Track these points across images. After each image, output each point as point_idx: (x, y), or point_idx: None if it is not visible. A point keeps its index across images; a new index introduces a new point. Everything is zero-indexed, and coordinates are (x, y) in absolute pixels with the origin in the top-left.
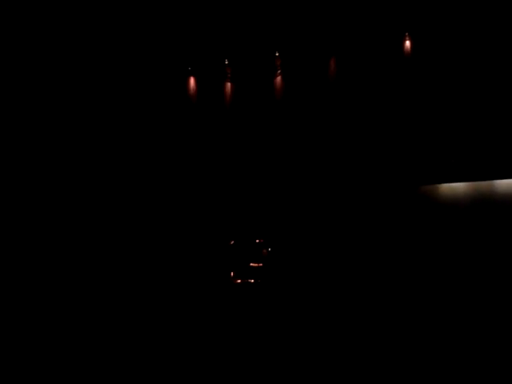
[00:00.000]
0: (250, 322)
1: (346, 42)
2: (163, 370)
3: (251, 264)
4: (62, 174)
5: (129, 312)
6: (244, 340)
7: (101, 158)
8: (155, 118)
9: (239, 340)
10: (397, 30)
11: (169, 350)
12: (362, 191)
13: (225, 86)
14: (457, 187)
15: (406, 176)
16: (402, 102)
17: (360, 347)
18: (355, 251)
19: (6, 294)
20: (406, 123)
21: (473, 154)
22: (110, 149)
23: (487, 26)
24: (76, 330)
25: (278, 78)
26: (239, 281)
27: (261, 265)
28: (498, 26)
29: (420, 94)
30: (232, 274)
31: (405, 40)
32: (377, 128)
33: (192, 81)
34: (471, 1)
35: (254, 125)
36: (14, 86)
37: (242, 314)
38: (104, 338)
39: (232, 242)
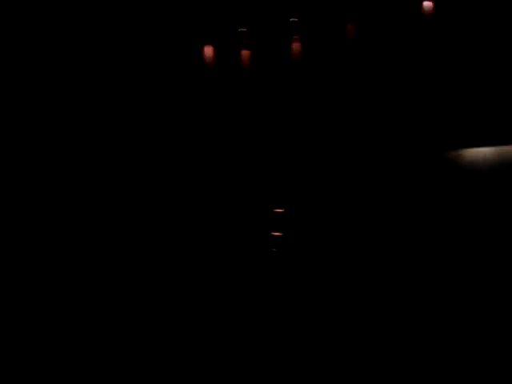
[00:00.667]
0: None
1: (363, 4)
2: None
3: (272, 233)
4: (80, 147)
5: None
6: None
7: (118, 130)
8: (173, 89)
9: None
10: None
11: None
12: (384, 158)
13: (241, 53)
14: (482, 152)
15: (430, 142)
16: (424, 66)
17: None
18: (377, 220)
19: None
20: (427, 87)
21: (498, 118)
22: (126, 121)
23: None
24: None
25: (295, 44)
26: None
27: (281, 234)
28: None
29: (442, 57)
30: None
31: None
32: (397, 93)
33: (208, 49)
34: None
35: (272, 91)
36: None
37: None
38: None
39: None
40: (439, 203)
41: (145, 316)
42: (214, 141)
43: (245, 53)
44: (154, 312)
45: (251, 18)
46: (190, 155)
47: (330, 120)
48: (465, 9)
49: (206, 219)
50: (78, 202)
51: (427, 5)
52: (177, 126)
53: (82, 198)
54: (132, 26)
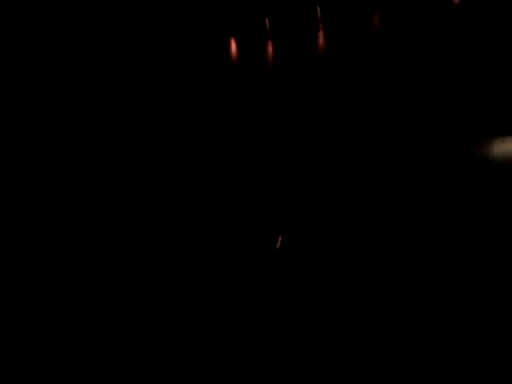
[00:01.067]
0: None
1: None
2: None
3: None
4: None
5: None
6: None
7: (142, 121)
8: (197, 82)
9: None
10: None
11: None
12: (412, 152)
13: (266, 45)
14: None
15: (460, 134)
16: (452, 57)
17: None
18: (405, 215)
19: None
20: (456, 81)
21: None
22: (149, 114)
23: None
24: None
25: (321, 35)
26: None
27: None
28: None
29: (471, 47)
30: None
31: None
32: (425, 85)
33: (233, 42)
34: None
35: (297, 84)
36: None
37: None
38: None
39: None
40: (469, 199)
41: (148, 314)
42: (240, 133)
43: (270, 45)
44: (157, 310)
45: (276, 10)
46: (210, 149)
47: (355, 114)
48: (496, 1)
49: (213, 217)
50: (80, 202)
51: None
52: (204, 121)
53: (89, 196)
54: (156, 21)
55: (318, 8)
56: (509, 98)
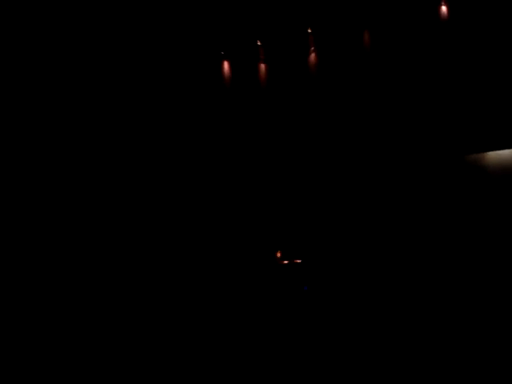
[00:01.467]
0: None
1: (378, 12)
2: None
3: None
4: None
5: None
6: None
7: (136, 142)
8: (191, 105)
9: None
10: None
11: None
12: (405, 163)
13: (259, 67)
14: (504, 154)
15: (451, 145)
16: (442, 70)
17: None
18: (400, 224)
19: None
20: (447, 91)
21: None
22: (144, 134)
23: None
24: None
25: (312, 55)
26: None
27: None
28: None
29: (460, 60)
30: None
31: (440, 5)
32: (418, 98)
33: (226, 65)
34: None
35: (290, 104)
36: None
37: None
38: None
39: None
40: (462, 207)
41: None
42: (233, 155)
43: (262, 66)
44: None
45: (267, 31)
46: (209, 169)
47: (348, 128)
48: (483, 16)
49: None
50: (86, 203)
51: (444, 11)
52: (198, 143)
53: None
54: (151, 42)
55: (309, 29)
56: (501, 113)
